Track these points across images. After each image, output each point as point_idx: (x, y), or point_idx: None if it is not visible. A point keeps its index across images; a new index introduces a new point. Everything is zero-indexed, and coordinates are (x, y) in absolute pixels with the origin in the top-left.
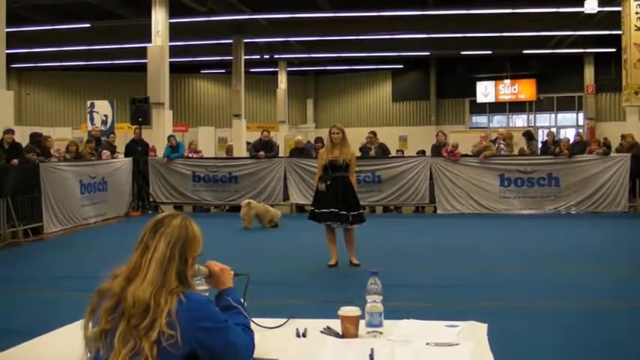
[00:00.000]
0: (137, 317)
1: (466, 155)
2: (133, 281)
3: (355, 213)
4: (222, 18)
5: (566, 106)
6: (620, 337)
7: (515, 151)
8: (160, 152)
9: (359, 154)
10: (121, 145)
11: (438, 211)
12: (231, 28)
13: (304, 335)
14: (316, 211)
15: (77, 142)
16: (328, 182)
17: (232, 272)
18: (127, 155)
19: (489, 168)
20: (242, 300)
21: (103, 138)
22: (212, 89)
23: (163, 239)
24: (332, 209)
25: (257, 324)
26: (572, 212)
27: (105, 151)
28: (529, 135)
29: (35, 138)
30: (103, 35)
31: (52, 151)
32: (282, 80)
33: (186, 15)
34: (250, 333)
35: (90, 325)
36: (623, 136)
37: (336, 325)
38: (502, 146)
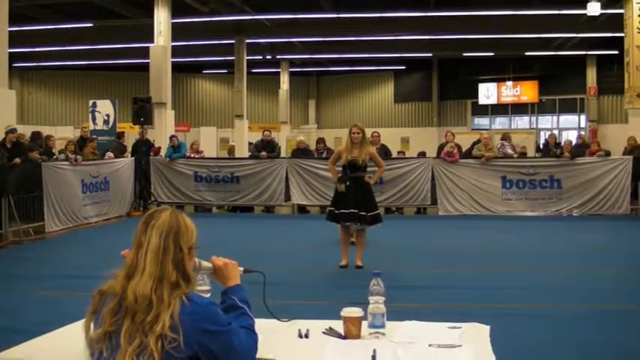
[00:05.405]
0: (141, 312)
1: (467, 156)
2: (132, 278)
3: (373, 214)
4: (225, 18)
5: (568, 108)
6: (621, 339)
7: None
8: (163, 152)
9: None
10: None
11: (440, 213)
12: (234, 28)
13: (306, 336)
14: (336, 212)
15: (75, 142)
16: (347, 183)
17: (242, 269)
18: (132, 155)
19: (491, 170)
20: (249, 301)
21: (104, 138)
22: (214, 89)
23: (155, 231)
24: (352, 210)
25: (271, 316)
26: (574, 214)
27: (109, 152)
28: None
29: (34, 136)
30: (106, 35)
31: (54, 150)
32: (285, 81)
33: (188, 15)
34: (254, 335)
35: (92, 326)
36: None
37: (338, 325)
38: (508, 149)
